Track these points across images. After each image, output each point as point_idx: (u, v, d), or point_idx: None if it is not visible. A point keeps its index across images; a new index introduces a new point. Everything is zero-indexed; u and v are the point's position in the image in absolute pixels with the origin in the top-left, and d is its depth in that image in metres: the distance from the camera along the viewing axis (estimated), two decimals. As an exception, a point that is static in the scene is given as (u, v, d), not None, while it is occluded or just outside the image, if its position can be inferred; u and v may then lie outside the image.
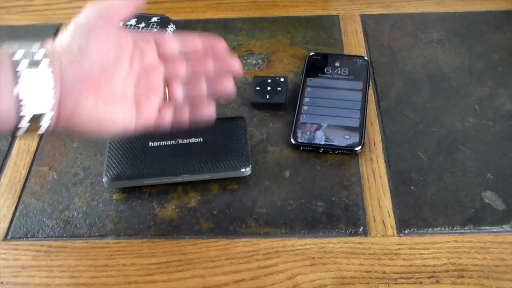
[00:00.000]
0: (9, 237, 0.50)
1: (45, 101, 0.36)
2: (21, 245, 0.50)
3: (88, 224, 0.51)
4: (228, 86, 0.45)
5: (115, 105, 0.41)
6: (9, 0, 0.76)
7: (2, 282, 0.47)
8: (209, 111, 0.46)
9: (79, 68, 0.37)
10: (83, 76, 0.38)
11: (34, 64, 0.36)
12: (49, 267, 0.48)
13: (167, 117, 0.44)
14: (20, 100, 0.35)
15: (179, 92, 0.44)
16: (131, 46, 0.42)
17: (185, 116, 0.45)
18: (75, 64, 0.37)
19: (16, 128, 0.36)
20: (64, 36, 0.39)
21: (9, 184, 0.55)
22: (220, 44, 0.45)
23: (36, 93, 0.35)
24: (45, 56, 0.36)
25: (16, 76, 0.35)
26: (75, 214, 0.52)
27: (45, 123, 0.37)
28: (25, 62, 0.35)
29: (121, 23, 0.41)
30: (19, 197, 0.53)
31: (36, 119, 0.36)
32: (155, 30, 0.66)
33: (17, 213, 0.52)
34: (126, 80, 0.41)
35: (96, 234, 0.50)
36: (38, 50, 0.36)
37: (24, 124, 0.36)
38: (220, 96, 0.46)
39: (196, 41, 0.45)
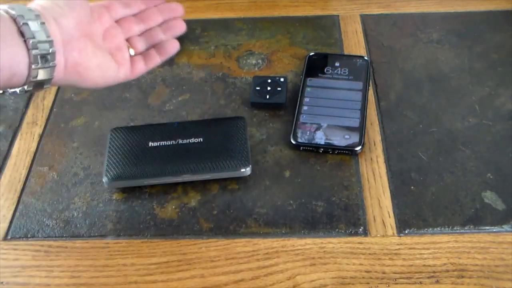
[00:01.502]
0: (9, 237, 0.50)
1: (49, 44, 0.39)
2: (21, 245, 0.50)
3: (88, 224, 0.51)
4: (179, 27, 0.51)
5: (105, 53, 0.45)
6: (9, 0, 0.76)
7: (2, 282, 0.47)
8: (173, 45, 0.50)
9: (70, 18, 0.41)
10: (76, 24, 0.42)
11: (29, 18, 0.38)
12: (49, 267, 0.48)
13: (141, 66, 0.49)
14: (28, 44, 0.38)
15: (140, 44, 0.49)
16: (88, 8, 0.45)
17: (156, 58, 0.50)
18: (65, 14, 0.41)
19: (30, 74, 0.38)
20: None
21: (9, 184, 0.55)
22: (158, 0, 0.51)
23: (39, 40, 0.38)
24: (34, 10, 0.39)
25: (18, 27, 0.38)
26: (75, 214, 0.52)
27: (53, 65, 0.39)
28: (21, 18, 0.38)
29: None
30: (19, 197, 0.53)
31: (45, 61, 0.39)
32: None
33: (17, 213, 0.52)
34: (98, 36, 0.46)
35: (96, 234, 0.50)
36: (27, 8, 0.39)
37: (36, 64, 0.38)
38: (175, 35, 0.51)
39: (138, 3, 0.50)
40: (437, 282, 0.45)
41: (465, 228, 0.49)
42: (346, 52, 0.66)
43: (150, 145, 0.54)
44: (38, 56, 0.38)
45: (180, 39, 0.70)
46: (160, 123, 0.58)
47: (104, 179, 0.52)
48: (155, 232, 0.50)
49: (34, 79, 0.39)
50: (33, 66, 0.38)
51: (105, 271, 0.47)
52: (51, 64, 0.39)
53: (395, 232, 0.49)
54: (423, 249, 0.47)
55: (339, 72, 0.61)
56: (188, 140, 0.54)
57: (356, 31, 0.69)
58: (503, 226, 0.49)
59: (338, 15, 0.71)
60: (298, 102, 0.58)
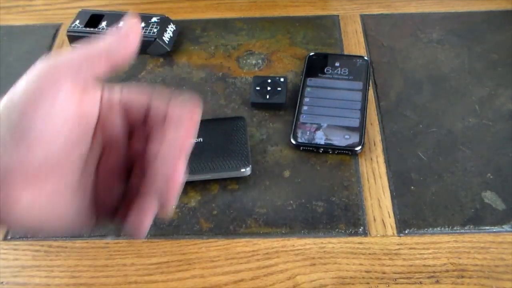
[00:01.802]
0: (9, 237, 0.50)
1: None
2: (21, 245, 0.50)
3: (88, 224, 0.51)
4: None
5: (65, 201, 0.30)
6: (9, 0, 0.76)
7: (2, 282, 0.47)
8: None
9: (10, 155, 0.27)
10: (15, 165, 0.27)
11: None
12: (49, 267, 0.48)
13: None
14: None
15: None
16: (95, 117, 0.30)
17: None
18: (3, 148, 0.27)
19: None
20: None
21: (9, 184, 0.55)
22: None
23: None
24: None
25: None
26: (75, 214, 0.52)
27: None
28: None
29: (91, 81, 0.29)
30: (19, 197, 0.53)
31: None
32: (155, 30, 0.66)
33: (17, 213, 0.52)
34: (84, 165, 0.30)
35: (96, 234, 0.50)
36: None
37: None
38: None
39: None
40: (437, 282, 0.45)
41: (465, 228, 0.49)
42: (346, 52, 0.66)
43: (150, 145, 0.54)
44: None
45: (180, 39, 0.70)
46: (160, 123, 0.58)
47: (104, 179, 0.52)
48: (155, 232, 0.50)
49: None
50: None
51: (105, 271, 0.47)
52: None
53: (395, 232, 0.49)
54: (423, 249, 0.47)
55: (339, 72, 0.61)
56: (188, 140, 0.54)
57: (356, 31, 0.69)
58: (503, 226, 0.49)
59: (338, 15, 0.71)
60: (298, 102, 0.58)
